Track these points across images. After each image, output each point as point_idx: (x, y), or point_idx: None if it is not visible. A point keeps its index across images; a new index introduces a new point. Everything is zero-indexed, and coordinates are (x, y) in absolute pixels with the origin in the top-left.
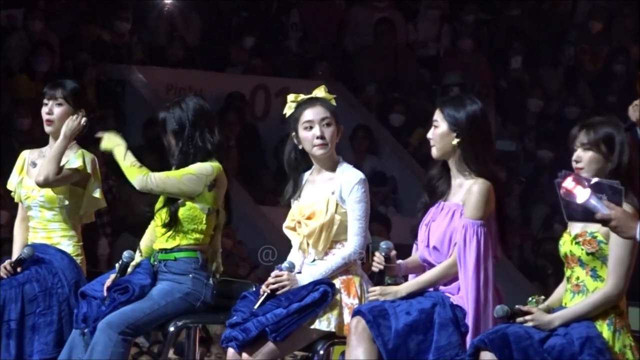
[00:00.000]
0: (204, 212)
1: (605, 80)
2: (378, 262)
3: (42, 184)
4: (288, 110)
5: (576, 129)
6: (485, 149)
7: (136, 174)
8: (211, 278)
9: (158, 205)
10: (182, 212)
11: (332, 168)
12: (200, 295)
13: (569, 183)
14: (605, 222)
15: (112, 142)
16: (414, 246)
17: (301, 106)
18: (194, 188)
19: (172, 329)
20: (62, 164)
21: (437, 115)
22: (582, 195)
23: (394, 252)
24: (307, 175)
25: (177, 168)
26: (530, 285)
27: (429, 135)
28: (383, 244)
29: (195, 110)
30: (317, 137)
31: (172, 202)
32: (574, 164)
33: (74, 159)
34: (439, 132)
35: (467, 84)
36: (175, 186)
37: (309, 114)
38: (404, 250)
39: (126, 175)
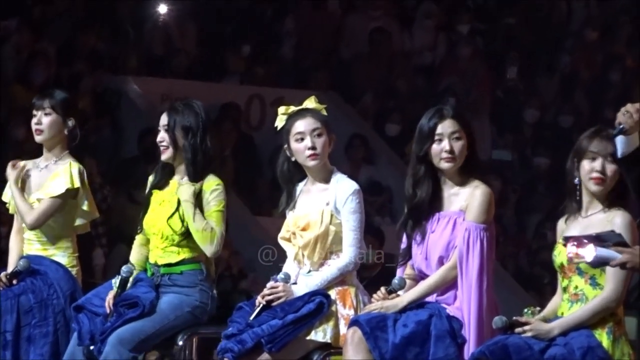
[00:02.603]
0: None
1: (600, 88)
2: (378, 298)
3: (32, 228)
4: (279, 122)
5: (586, 139)
6: None
7: (208, 241)
8: (214, 289)
9: (159, 220)
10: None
11: (326, 178)
12: (207, 307)
13: (571, 249)
14: (621, 266)
15: (185, 194)
16: (399, 269)
17: (292, 118)
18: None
19: (180, 342)
20: (47, 180)
21: (455, 126)
22: (588, 253)
23: (401, 292)
24: (301, 185)
25: (191, 164)
26: (526, 294)
27: (451, 147)
28: (396, 280)
29: (207, 114)
30: (309, 148)
31: (182, 220)
32: (595, 175)
33: (59, 180)
34: (464, 143)
35: (459, 92)
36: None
37: (299, 125)
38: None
39: (195, 238)
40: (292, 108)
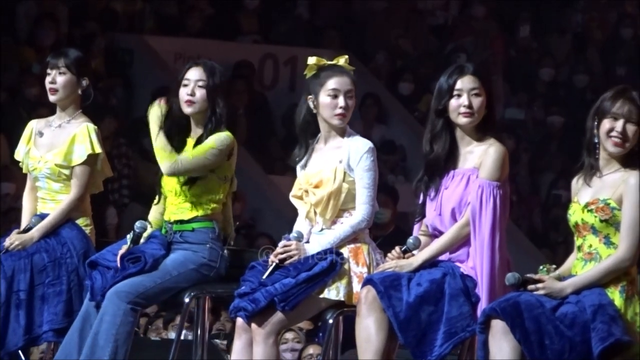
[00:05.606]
0: (221, 181)
1: (613, 47)
2: (392, 257)
3: (79, 200)
4: (309, 71)
5: (609, 100)
6: None
7: (165, 159)
8: (225, 249)
9: (170, 177)
10: (200, 183)
11: (340, 137)
12: (214, 266)
13: None
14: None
15: (153, 115)
16: (416, 226)
17: (326, 72)
18: (217, 162)
19: (187, 299)
20: (65, 143)
21: (475, 83)
22: None
23: (416, 252)
24: (312, 143)
25: (212, 128)
26: (540, 253)
27: (470, 103)
28: (411, 239)
29: (223, 75)
30: (341, 107)
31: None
32: (615, 135)
33: (79, 147)
34: (483, 100)
35: (470, 50)
36: (200, 165)
37: (335, 82)
38: (413, 218)
39: (156, 156)
40: (324, 61)
